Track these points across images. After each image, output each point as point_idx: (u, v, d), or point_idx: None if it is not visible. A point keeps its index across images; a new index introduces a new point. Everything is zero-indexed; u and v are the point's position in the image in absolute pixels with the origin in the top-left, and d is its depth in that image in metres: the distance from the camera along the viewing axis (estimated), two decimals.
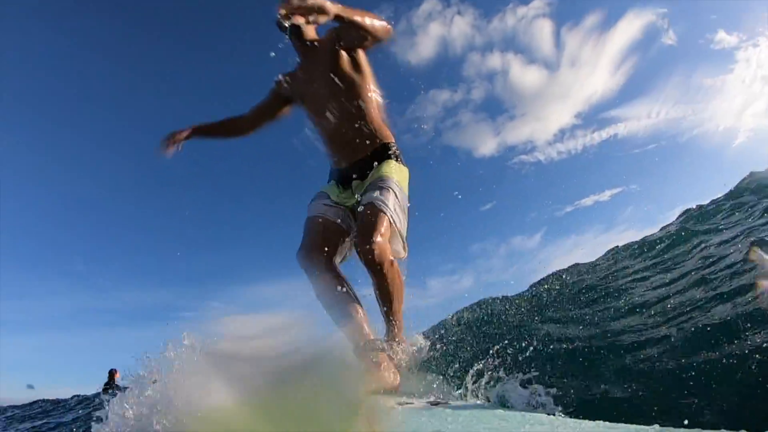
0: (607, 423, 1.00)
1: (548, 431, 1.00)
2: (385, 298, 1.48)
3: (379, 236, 1.41)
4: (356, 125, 1.63)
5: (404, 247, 1.61)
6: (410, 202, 1.64)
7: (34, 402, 10.56)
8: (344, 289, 1.52)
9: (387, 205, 1.48)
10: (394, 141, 1.70)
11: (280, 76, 1.80)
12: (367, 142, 1.63)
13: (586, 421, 1.05)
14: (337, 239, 1.61)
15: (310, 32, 1.69)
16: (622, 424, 0.96)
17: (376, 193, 1.50)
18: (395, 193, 1.54)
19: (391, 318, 1.50)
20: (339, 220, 1.63)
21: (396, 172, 1.60)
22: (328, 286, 1.51)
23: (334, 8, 1.39)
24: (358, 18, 1.45)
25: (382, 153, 1.64)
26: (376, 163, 1.62)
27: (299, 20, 1.58)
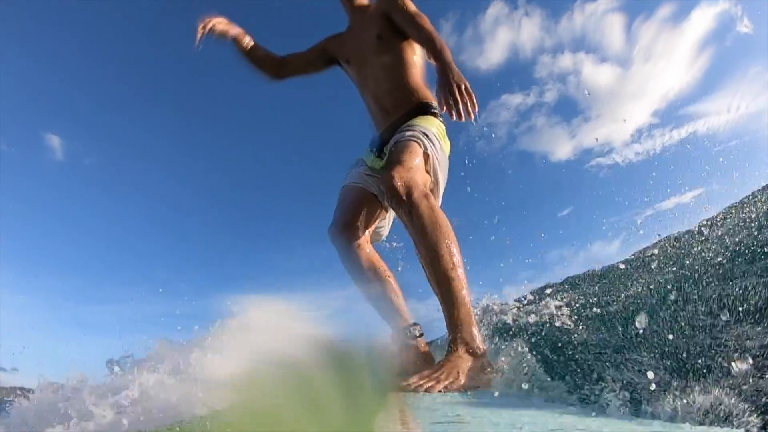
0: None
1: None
2: (426, 244, 1.11)
3: (406, 166, 1.22)
4: (396, 86, 1.56)
5: (439, 196, 1.42)
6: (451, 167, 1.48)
7: None
8: (379, 269, 1.43)
9: (418, 137, 1.33)
10: (434, 102, 1.56)
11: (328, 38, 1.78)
12: (405, 102, 1.55)
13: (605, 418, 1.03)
14: (372, 212, 1.52)
15: None
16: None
17: (405, 132, 1.37)
18: (430, 137, 1.38)
19: (445, 284, 1.08)
20: (375, 191, 1.51)
21: (432, 125, 1.45)
22: (362, 266, 1.41)
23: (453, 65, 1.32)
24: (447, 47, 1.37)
25: (420, 110, 1.52)
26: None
27: None
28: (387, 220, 1.61)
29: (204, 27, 1.64)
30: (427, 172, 1.32)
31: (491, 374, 1.09)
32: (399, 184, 1.15)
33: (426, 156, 1.31)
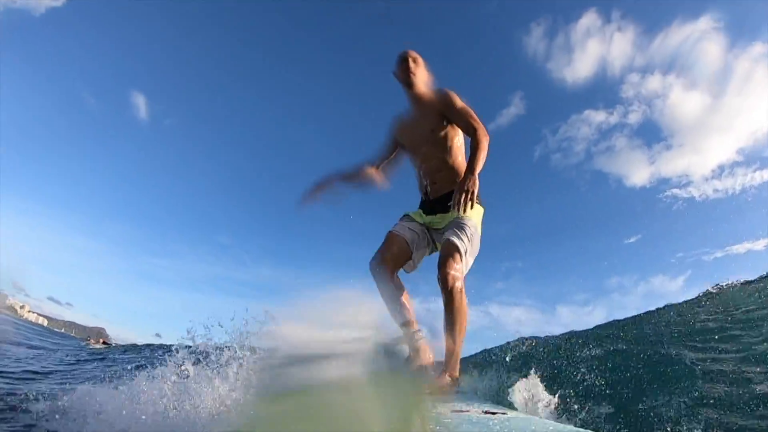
0: None
1: None
2: (450, 318, 1.75)
3: (453, 268, 1.77)
4: (444, 167, 2.04)
5: (467, 268, 1.90)
6: (484, 233, 1.96)
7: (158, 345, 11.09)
8: (401, 294, 1.90)
9: (462, 242, 1.83)
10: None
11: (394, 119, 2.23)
12: (451, 181, 2.02)
13: None
14: (404, 257, 2.00)
15: (421, 87, 2.07)
16: None
17: (454, 233, 1.86)
18: (468, 232, 1.87)
19: (451, 341, 1.75)
20: (411, 242, 2.00)
21: (472, 212, 1.92)
22: (389, 290, 1.89)
23: (477, 177, 1.77)
24: (482, 152, 1.83)
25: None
26: None
27: (413, 78, 2.03)
28: (416, 260, 2.05)
29: (310, 199, 2.12)
30: (462, 258, 1.83)
31: (456, 387, 1.72)
32: (450, 279, 1.73)
33: (462, 257, 1.83)
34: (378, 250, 1.98)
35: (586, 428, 1.83)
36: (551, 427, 1.41)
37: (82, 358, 8.37)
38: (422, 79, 2.07)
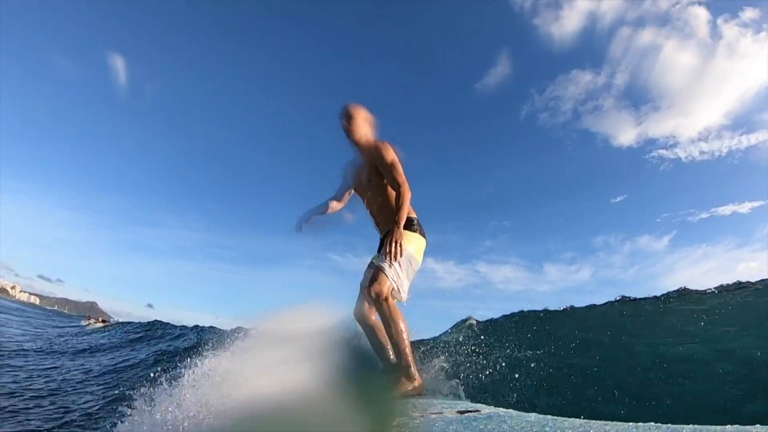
0: (635, 424, 1.01)
1: None
2: (386, 325, 2.11)
3: (377, 284, 2.09)
4: (384, 209, 2.36)
5: (403, 294, 2.21)
6: (425, 259, 2.29)
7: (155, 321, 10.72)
8: (378, 330, 2.26)
9: (384, 264, 2.13)
10: (415, 216, 2.33)
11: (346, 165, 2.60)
12: (390, 220, 2.28)
13: (613, 422, 1.05)
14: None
15: (361, 140, 2.34)
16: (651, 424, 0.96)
17: (380, 258, 2.16)
18: (391, 258, 2.14)
19: (396, 348, 2.08)
20: None
21: (407, 243, 2.17)
22: (371, 333, 2.28)
23: (401, 229, 2.10)
24: (404, 208, 2.13)
25: (405, 226, 2.25)
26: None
27: (351, 135, 2.32)
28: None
29: (300, 229, 2.56)
30: (384, 275, 2.13)
31: (422, 390, 2.15)
32: (374, 293, 2.08)
33: (387, 279, 2.14)
34: (357, 302, 2.34)
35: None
36: (529, 418, 1.33)
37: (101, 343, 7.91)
38: (361, 131, 2.32)
